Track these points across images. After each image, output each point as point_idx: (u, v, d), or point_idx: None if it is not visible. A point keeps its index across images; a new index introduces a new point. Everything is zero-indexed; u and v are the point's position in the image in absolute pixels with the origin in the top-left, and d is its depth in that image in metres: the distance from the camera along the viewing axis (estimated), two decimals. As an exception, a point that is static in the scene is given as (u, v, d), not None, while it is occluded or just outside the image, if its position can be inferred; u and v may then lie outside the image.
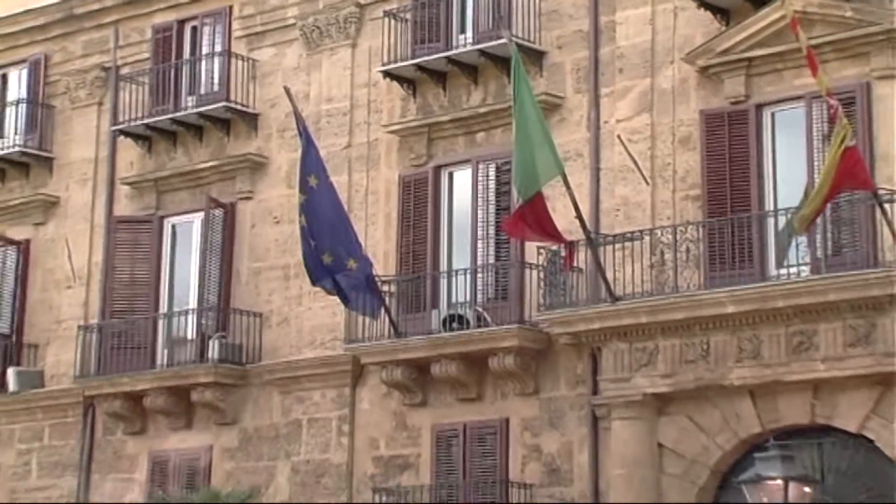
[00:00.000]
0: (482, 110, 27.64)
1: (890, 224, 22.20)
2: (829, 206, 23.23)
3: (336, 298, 27.65)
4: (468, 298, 27.02)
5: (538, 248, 25.69)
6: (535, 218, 23.74)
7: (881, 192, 22.47)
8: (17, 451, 32.35)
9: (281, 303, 29.61)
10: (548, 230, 23.95)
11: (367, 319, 27.04)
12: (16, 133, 33.79)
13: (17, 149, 33.44)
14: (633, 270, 24.95)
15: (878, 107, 23.96)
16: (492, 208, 27.56)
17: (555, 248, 25.15)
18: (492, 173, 27.60)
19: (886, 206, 22.29)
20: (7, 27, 34.34)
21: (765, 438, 23.46)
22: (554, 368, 26.18)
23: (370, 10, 29.52)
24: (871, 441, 22.87)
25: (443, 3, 28.34)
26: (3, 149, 33.78)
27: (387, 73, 28.60)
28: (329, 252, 25.70)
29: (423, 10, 28.42)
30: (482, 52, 27.45)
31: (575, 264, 24.80)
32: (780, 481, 22.62)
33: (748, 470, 23.18)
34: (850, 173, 21.71)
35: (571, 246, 24.35)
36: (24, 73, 34.19)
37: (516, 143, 23.63)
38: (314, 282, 26.18)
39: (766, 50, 24.84)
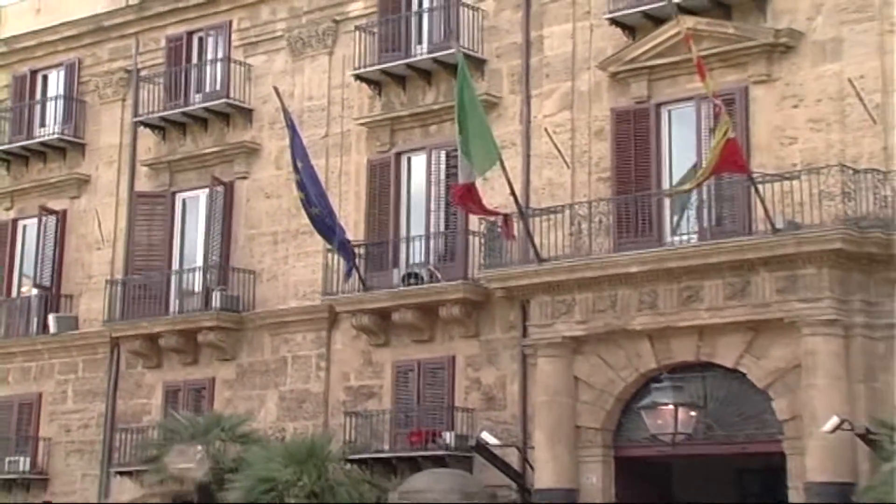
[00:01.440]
0: (435, 107, 27.57)
1: (762, 201, 22.30)
2: (713, 185, 23.51)
3: (315, 258, 28.04)
4: (423, 259, 27.14)
5: (479, 218, 25.67)
6: (472, 198, 23.95)
7: (755, 175, 22.60)
8: (57, 381, 32.21)
9: (270, 262, 29.52)
10: (481, 207, 24.17)
11: (341, 275, 27.07)
12: (55, 123, 33.50)
13: (56, 136, 33.18)
14: (555, 237, 24.96)
15: (753, 106, 24.12)
16: (442, 186, 27.49)
17: (493, 219, 25.24)
18: (442, 158, 27.50)
19: (759, 186, 22.41)
20: (48, 36, 34.10)
21: (659, 372, 23.72)
22: (491, 316, 26.26)
23: (344, 24, 29.38)
24: (744, 374, 23.02)
25: (403, 20, 28.32)
26: (44, 136, 33.48)
27: (357, 76, 28.53)
28: (329, 217, 25.99)
29: (387, 25, 28.33)
30: (435, 60, 27.43)
31: (513, 234, 24.78)
32: (671, 406, 23.02)
33: (646, 398, 23.60)
34: (731, 160, 21.87)
35: (509, 219, 24.49)
36: (62, 73, 33.92)
37: (460, 135, 23.60)
38: (331, 242, 26.44)
39: (664, 59, 24.89)
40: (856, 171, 22.55)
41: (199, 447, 25.92)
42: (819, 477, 21.48)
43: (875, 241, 22.09)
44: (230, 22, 31.30)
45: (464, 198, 24.01)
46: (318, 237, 27.22)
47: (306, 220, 27.05)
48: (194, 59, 31.69)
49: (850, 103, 23.12)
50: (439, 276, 26.61)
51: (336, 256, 26.87)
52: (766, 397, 22.81)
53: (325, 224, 26.01)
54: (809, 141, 23.53)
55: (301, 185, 25.99)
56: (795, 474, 22.18)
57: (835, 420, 20.95)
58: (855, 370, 22.04)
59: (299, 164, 26.00)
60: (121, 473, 30.14)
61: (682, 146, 24.94)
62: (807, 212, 22.63)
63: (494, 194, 25.26)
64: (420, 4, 28.68)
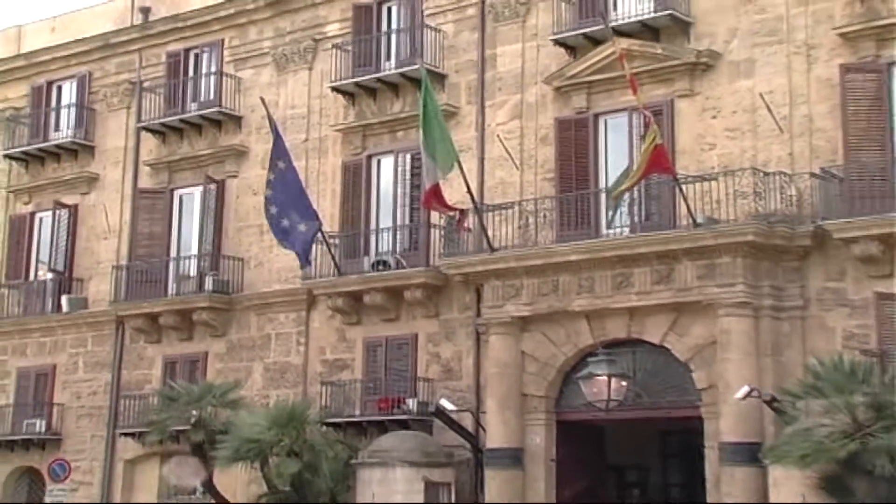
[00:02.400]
0: (402, 115, 27.50)
1: (685, 199, 22.44)
2: (643, 185, 23.48)
3: (296, 247, 27.97)
4: (390, 248, 27.12)
5: (440, 213, 25.73)
6: (436, 196, 24.04)
7: (679, 176, 22.74)
8: (69, 354, 32.01)
9: (257, 251, 29.39)
10: (445, 205, 24.24)
11: (318, 262, 27.04)
12: (68, 128, 33.38)
13: (68, 139, 33.03)
14: (506, 230, 24.99)
15: (678, 117, 24.26)
16: (408, 185, 27.45)
17: (451, 214, 25.34)
18: (408, 161, 27.41)
19: (682, 186, 22.53)
20: (62, 52, 33.82)
21: (595, 348, 23.74)
22: (449, 298, 26.30)
23: (322, 43, 29.31)
24: (668, 349, 23.17)
25: (374, 39, 28.32)
26: (58, 139, 33.33)
27: (334, 89, 28.48)
28: (287, 217, 25.78)
29: (360, 43, 28.31)
30: (402, 74, 27.40)
31: (468, 227, 24.99)
32: (605, 377, 23.02)
33: (583, 370, 23.60)
34: (658, 163, 22.01)
35: (463, 213, 24.55)
36: (74, 84, 33.67)
37: (424, 141, 23.71)
38: (279, 242, 26.32)
39: (601, 76, 24.98)
40: (765, 174, 22.72)
41: (195, 413, 25.91)
42: (731, 438, 21.70)
43: (782, 235, 22.29)
44: (222, 40, 31.15)
45: (429, 199, 24.17)
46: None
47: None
48: (191, 73, 31.51)
49: (761, 115, 23.27)
50: (404, 263, 26.60)
51: (316, 246, 26.68)
52: (687, 369, 22.97)
53: (279, 223, 25.81)
54: (726, 147, 23.70)
55: (272, 184, 25.89)
56: (711, 435, 22.37)
57: (745, 389, 21.16)
58: (763, 346, 22.23)
59: (282, 165, 25.94)
60: (125, 434, 30.08)
61: (616, 151, 24.96)
62: (723, 209, 22.77)
63: (453, 192, 25.16)
64: (389, 26, 28.62)
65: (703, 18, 24.41)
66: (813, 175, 22.47)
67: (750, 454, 21.25)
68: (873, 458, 18.21)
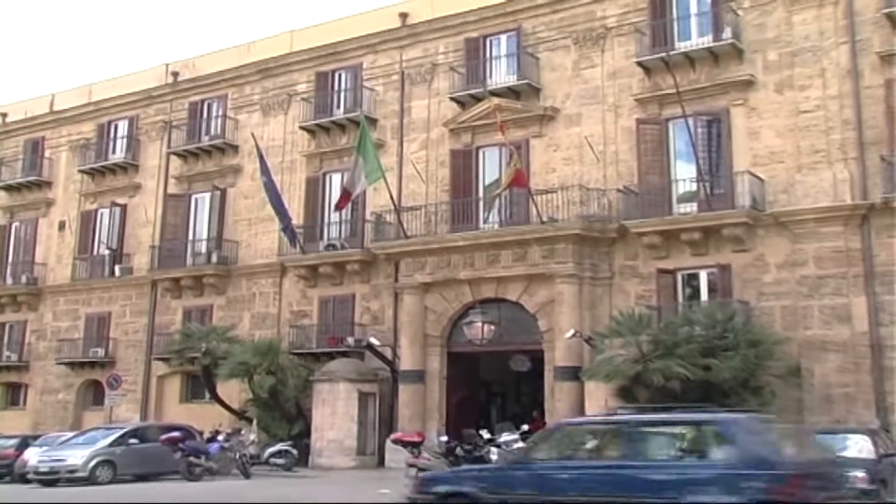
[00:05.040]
0: (347, 147, 26.80)
1: (535, 204, 22.39)
2: (507, 195, 23.46)
3: (273, 235, 27.42)
4: (338, 235, 26.62)
5: (371, 211, 25.46)
6: (345, 199, 23.90)
7: (532, 189, 22.62)
8: (120, 305, 30.90)
9: (247, 236, 28.64)
10: (342, 206, 24.30)
11: (288, 245, 26.52)
12: (122, 151, 32.32)
13: (121, 159, 32.00)
14: (416, 224, 24.65)
15: (532, 151, 24.10)
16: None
17: (379, 213, 24.99)
18: (351, 177, 27.11)
19: (534, 196, 22.44)
20: (119, 101, 32.58)
21: (474, 304, 23.61)
22: (377, 269, 25.85)
23: (294, 97, 28.59)
24: (522, 305, 22.99)
25: (329, 95, 27.77)
26: (115, 159, 32.21)
27: (301, 127, 27.89)
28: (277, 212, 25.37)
29: (320, 97, 27.81)
30: (348, 119, 26.93)
31: (386, 219, 24.83)
32: (480, 323, 23.05)
33: (466, 318, 23.59)
34: (518, 181, 21.94)
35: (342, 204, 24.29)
36: (126, 123, 32.52)
37: (364, 164, 23.36)
38: (284, 229, 25.70)
39: (481, 122, 24.75)
40: (588, 189, 22.71)
41: (204, 345, 25.46)
42: (561, 363, 21.71)
43: (598, 229, 22.29)
44: (227, 94, 30.30)
45: (343, 202, 24.03)
46: (275, 223, 26.57)
47: (270, 213, 26.51)
48: (205, 116, 30.67)
49: (585, 150, 23.22)
50: (347, 245, 26.16)
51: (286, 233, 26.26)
52: (535, 318, 22.86)
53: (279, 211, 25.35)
54: (563, 171, 23.58)
55: (267, 191, 25.39)
56: (549, 361, 22.34)
57: (571, 331, 21.20)
58: (584, 303, 22.20)
59: (264, 179, 25.52)
60: (157, 359, 29.28)
61: (490, 172, 24.75)
62: (561, 212, 22.73)
63: (379, 198, 24.93)
64: (339, 86, 28.04)
65: (548, 86, 24.29)
66: (618, 190, 22.48)
67: (573, 374, 21.25)
68: (651, 376, 18.35)
